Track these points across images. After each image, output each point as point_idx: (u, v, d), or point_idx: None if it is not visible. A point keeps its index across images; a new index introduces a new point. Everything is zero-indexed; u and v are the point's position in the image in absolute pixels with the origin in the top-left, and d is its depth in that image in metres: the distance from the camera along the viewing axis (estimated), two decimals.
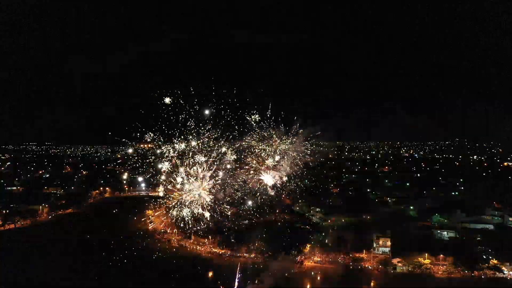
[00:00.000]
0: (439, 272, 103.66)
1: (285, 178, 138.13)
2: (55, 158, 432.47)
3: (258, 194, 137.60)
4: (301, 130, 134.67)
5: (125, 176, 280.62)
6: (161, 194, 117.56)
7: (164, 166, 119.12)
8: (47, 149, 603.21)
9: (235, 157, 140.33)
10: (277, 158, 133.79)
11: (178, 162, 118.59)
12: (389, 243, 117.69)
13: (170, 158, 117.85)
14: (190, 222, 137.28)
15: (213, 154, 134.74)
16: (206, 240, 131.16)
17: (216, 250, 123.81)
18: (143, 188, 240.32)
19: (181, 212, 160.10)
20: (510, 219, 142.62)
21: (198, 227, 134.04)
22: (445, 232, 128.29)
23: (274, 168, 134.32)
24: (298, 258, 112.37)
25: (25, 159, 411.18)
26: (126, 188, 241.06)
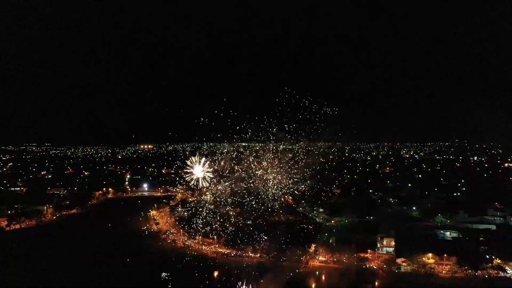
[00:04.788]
0: (443, 272, 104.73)
1: (289, 179, 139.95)
2: (56, 159, 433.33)
3: (261, 195, 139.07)
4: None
5: (127, 176, 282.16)
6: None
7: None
8: (48, 150, 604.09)
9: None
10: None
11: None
12: (393, 243, 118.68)
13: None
14: (194, 222, 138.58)
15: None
16: (211, 240, 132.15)
17: (221, 250, 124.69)
18: (146, 189, 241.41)
19: (185, 213, 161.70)
20: None
21: (203, 227, 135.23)
22: (448, 232, 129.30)
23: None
24: (303, 258, 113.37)
25: (26, 160, 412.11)
26: (129, 189, 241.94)
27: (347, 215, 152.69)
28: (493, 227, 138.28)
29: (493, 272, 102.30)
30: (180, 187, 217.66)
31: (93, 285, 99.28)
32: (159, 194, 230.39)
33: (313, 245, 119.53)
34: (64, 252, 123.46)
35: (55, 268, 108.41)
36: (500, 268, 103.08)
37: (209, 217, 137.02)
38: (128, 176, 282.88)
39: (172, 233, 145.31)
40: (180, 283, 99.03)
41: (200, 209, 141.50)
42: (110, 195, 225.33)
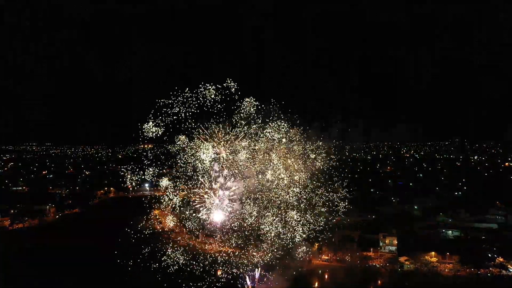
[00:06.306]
0: (446, 270, 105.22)
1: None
2: (57, 159, 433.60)
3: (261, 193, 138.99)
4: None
5: (128, 176, 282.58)
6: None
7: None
8: (48, 149, 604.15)
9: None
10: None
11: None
12: (395, 241, 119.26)
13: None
14: (197, 221, 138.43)
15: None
16: (214, 239, 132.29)
17: (224, 249, 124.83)
18: (147, 188, 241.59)
19: (188, 212, 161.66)
20: None
21: (206, 226, 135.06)
22: (450, 231, 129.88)
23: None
24: (307, 256, 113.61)
25: (26, 160, 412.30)
26: (130, 188, 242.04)
27: (349, 214, 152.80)
28: (495, 226, 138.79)
29: (495, 270, 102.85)
30: (182, 186, 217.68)
31: (95, 285, 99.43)
32: (161, 193, 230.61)
33: (316, 244, 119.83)
34: (66, 251, 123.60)
35: (56, 268, 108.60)
36: (503, 266, 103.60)
37: (211, 217, 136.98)
38: (129, 176, 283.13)
39: (175, 232, 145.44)
40: (182, 283, 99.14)
41: (203, 208, 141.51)
42: (111, 195, 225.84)
